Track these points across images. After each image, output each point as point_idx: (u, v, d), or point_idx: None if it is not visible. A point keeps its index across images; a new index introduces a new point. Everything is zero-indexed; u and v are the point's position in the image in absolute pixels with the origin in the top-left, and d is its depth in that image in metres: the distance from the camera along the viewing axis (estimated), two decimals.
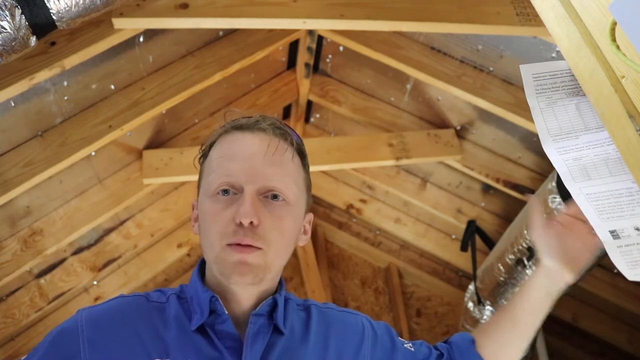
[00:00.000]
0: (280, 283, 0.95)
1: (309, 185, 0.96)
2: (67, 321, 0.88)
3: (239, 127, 0.92)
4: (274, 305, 0.90)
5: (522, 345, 1.07)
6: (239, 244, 0.84)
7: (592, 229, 0.98)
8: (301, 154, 0.95)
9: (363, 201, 3.11)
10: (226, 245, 0.84)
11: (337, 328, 0.96)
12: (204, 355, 0.84)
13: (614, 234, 0.94)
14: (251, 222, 0.83)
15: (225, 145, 0.91)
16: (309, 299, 1.01)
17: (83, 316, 0.87)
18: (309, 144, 2.53)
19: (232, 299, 0.89)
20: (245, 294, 0.89)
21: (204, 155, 0.96)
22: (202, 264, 0.95)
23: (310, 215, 0.97)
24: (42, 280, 2.40)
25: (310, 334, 0.93)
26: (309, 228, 0.97)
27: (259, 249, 0.84)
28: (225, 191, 0.87)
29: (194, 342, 0.85)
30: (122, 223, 2.55)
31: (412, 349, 1.03)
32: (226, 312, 0.87)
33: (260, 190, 0.87)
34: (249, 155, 0.88)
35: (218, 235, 0.85)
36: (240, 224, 0.83)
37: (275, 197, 0.87)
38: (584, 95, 0.80)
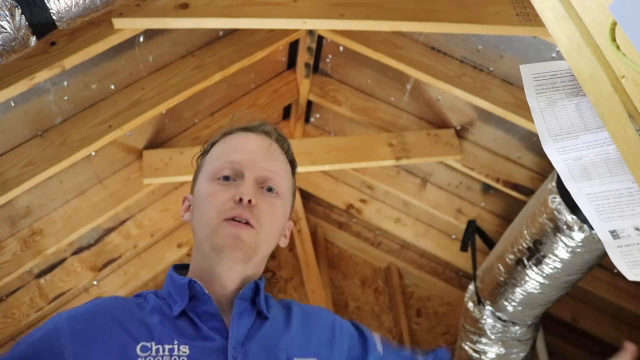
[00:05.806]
0: (260, 278, 0.99)
1: (294, 194, 1.05)
2: (43, 325, 0.87)
3: (244, 129, 1.02)
4: (256, 290, 0.94)
5: None
6: (234, 219, 0.90)
7: None
8: (292, 163, 1.05)
9: (363, 201, 3.11)
10: (223, 220, 0.91)
11: (315, 320, 1.01)
12: (188, 336, 0.86)
13: (614, 234, 0.94)
14: (249, 201, 0.91)
15: (230, 141, 1.01)
16: (286, 299, 1.05)
17: (62, 316, 0.87)
18: (309, 144, 2.56)
19: (216, 282, 0.93)
20: (230, 275, 0.93)
21: (205, 152, 1.03)
22: (175, 269, 0.99)
23: (291, 223, 1.05)
24: (42, 280, 2.40)
25: (292, 323, 0.96)
26: (288, 233, 1.04)
27: (253, 227, 0.91)
28: (226, 177, 0.95)
29: (177, 325, 0.87)
30: (122, 223, 2.55)
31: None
32: (207, 292, 0.90)
33: (258, 180, 0.95)
34: (252, 150, 0.98)
35: (215, 212, 0.92)
36: (240, 201, 0.91)
37: (269, 189, 0.96)
38: (584, 95, 0.80)
